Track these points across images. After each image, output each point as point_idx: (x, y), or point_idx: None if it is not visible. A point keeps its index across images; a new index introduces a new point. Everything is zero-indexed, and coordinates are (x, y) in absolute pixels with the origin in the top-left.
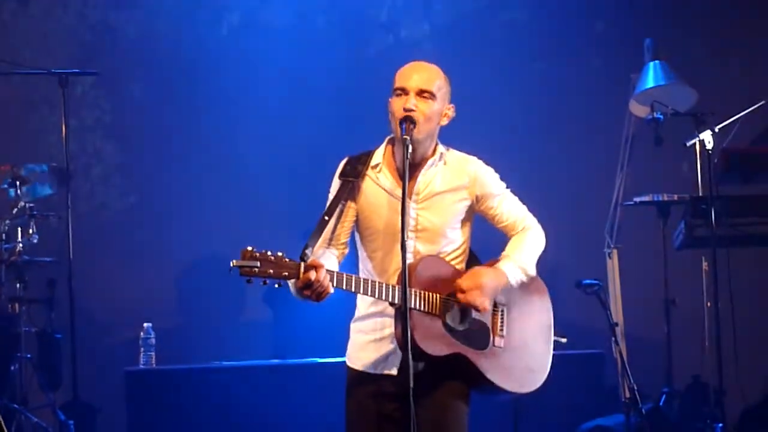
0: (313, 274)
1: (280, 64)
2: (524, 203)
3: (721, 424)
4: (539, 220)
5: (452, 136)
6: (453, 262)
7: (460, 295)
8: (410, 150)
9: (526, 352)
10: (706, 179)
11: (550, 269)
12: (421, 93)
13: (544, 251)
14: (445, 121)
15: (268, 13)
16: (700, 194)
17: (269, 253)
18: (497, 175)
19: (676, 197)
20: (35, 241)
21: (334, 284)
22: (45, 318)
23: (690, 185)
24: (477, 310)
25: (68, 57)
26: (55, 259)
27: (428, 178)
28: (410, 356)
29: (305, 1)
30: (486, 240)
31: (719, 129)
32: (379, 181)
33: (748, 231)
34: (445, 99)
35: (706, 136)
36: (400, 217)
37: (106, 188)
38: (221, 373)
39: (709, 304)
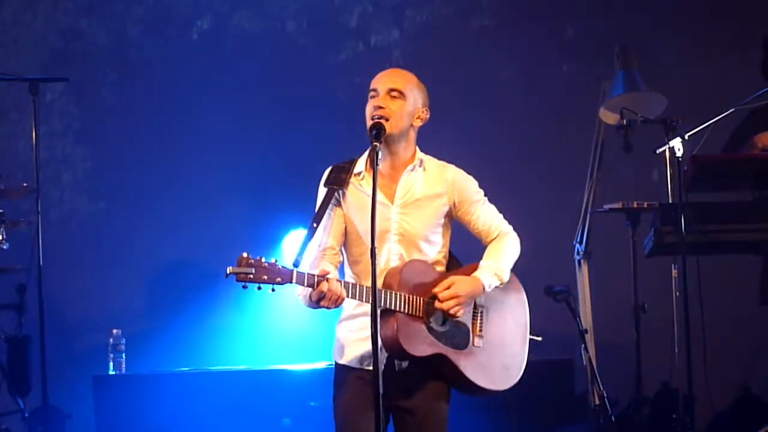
0: (325, 285)
1: (251, 70)
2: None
3: (690, 431)
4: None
5: (422, 141)
6: (435, 266)
7: (437, 303)
8: (379, 156)
9: (503, 351)
10: (675, 186)
11: (520, 276)
12: (390, 92)
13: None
14: (417, 123)
15: (238, 19)
16: (670, 201)
17: (263, 259)
18: (475, 183)
19: (645, 204)
20: (5, 247)
21: (348, 294)
22: (14, 324)
23: (660, 192)
24: (451, 317)
25: (38, 63)
26: (25, 265)
27: (408, 183)
28: (378, 357)
29: (275, 7)
30: (466, 242)
31: (689, 136)
32: (362, 188)
33: (717, 238)
34: (418, 101)
35: (676, 144)
36: (382, 223)
37: (76, 194)
38: (190, 379)
39: (678, 311)
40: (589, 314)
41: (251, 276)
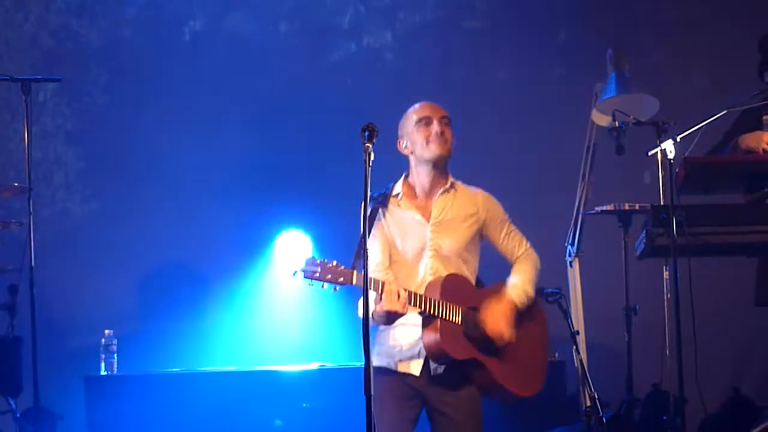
0: (390, 286)
1: (243, 71)
2: None
3: None
4: None
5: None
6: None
7: (488, 330)
8: (371, 158)
9: (528, 359)
10: (667, 188)
11: None
12: (442, 119)
13: (506, 259)
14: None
15: (230, 20)
16: (662, 203)
17: (326, 260)
18: (501, 205)
19: (637, 206)
20: None
21: (412, 303)
22: (6, 324)
23: (652, 194)
24: (503, 340)
25: (30, 63)
26: (17, 265)
27: (443, 204)
28: (369, 358)
29: (268, 8)
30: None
31: (681, 138)
32: (401, 209)
33: (709, 240)
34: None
35: (668, 146)
36: (420, 240)
37: (67, 195)
38: (182, 380)
39: (669, 313)
40: (580, 316)
41: (317, 274)
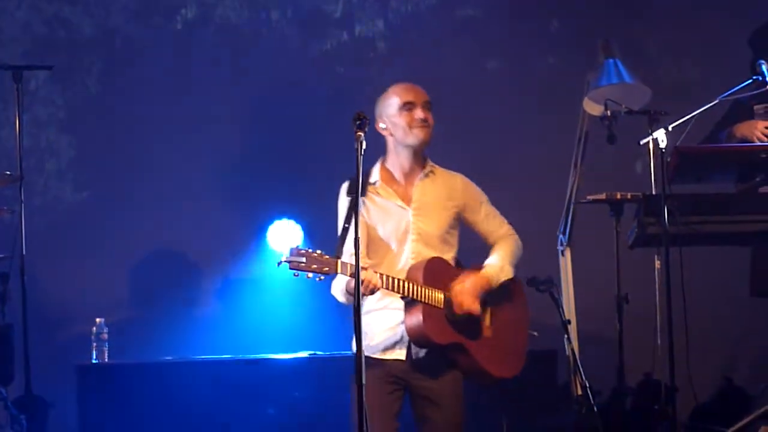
0: (364, 274)
1: (234, 59)
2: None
3: (672, 421)
4: None
5: None
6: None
7: (455, 304)
8: (364, 146)
9: (509, 341)
10: (659, 177)
11: None
12: (425, 104)
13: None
14: None
15: (222, 8)
16: (654, 192)
17: (311, 250)
18: (479, 189)
19: (629, 195)
20: None
21: (383, 284)
22: None
23: (643, 183)
24: (470, 313)
25: (22, 51)
26: (8, 253)
27: (422, 188)
28: (361, 347)
29: None
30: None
31: (673, 128)
32: (380, 195)
33: (700, 229)
34: None
35: (660, 135)
36: (401, 225)
37: (59, 183)
38: (173, 369)
39: (661, 302)
40: (572, 305)
41: (302, 264)
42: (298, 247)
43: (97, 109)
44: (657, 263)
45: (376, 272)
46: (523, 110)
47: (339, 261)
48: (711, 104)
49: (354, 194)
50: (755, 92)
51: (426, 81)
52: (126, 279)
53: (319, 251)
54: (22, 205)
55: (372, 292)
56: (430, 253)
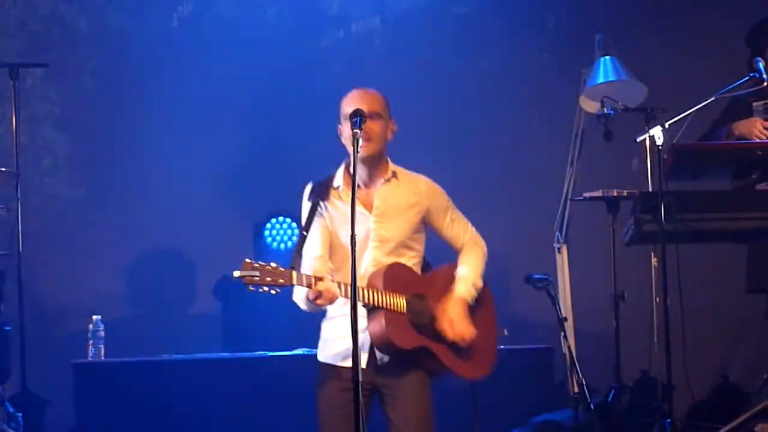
0: (322, 284)
1: (231, 56)
2: (473, 199)
3: (669, 420)
4: (489, 217)
5: (401, 129)
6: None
7: (451, 336)
8: (360, 144)
9: (477, 342)
10: (655, 175)
11: (500, 264)
12: (371, 114)
13: (494, 245)
14: (390, 136)
15: (218, 5)
16: (650, 190)
17: (264, 264)
18: (444, 192)
19: (625, 193)
20: None
21: (342, 293)
22: None
23: (640, 181)
24: (467, 341)
25: (18, 48)
26: (4, 250)
27: (384, 193)
28: (358, 354)
29: None
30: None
31: (669, 125)
32: (342, 200)
33: (697, 227)
34: (389, 118)
35: (656, 132)
36: (362, 231)
37: (56, 180)
38: (170, 366)
39: (658, 299)
40: (568, 302)
41: (256, 278)
42: (251, 261)
43: (93, 106)
44: (653, 260)
45: (334, 281)
46: (519, 107)
47: (294, 272)
48: (708, 101)
49: (352, 196)
50: (752, 89)
51: (421, 78)
52: (122, 276)
53: (273, 264)
54: (18, 202)
55: (331, 302)
56: (390, 260)
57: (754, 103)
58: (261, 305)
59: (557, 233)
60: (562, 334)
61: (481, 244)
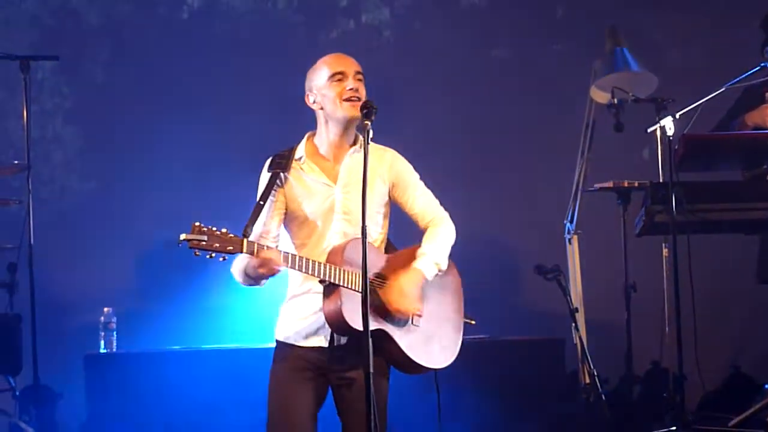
0: (266, 252)
1: (241, 48)
2: (484, 189)
3: (680, 410)
4: (500, 208)
5: (411, 120)
6: (375, 245)
7: (391, 307)
8: (370, 135)
9: (440, 331)
10: (666, 165)
11: (511, 255)
12: (356, 74)
13: (505, 235)
14: None
15: None
16: (661, 180)
17: (215, 228)
18: (411, 166)
19: (636, 183)
20: None
21: (288, 264)
22: (5, 302)
23: (651, 171)
24: (406, 316)
25: (29, 42)
26: (16, 243)
27: (351, 165)
28: (369, 341)
29: None
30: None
31: (680, 115)
32: (304, 172)
33: (708, 217)
34: None
35: (667, 123)
36: (326, 203)
37: (67, 173)
38: (181, 358)
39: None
40: (579, 293)
41: (203, 243)
42: (201, 224)
43: (104, 99)
44: (665, 251)
45: (279, 251)
46: (529, 98)
47: (245, 240)
48: (718, 92)
49: (363, 184)
50: (763, 79)
51: (431, 68)
52: (133, 268)
53: (224, 229)
54: (30, 195)
55: (272, 273)
56: (356, 232)
57: (767, 93)
58: (271, 297)
59: (568, 224)
60: (573, 324)
61: (449, 224)
